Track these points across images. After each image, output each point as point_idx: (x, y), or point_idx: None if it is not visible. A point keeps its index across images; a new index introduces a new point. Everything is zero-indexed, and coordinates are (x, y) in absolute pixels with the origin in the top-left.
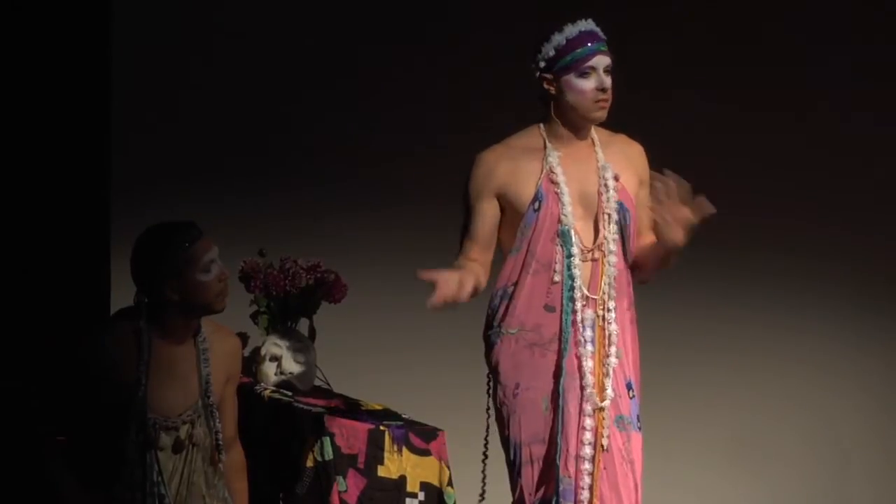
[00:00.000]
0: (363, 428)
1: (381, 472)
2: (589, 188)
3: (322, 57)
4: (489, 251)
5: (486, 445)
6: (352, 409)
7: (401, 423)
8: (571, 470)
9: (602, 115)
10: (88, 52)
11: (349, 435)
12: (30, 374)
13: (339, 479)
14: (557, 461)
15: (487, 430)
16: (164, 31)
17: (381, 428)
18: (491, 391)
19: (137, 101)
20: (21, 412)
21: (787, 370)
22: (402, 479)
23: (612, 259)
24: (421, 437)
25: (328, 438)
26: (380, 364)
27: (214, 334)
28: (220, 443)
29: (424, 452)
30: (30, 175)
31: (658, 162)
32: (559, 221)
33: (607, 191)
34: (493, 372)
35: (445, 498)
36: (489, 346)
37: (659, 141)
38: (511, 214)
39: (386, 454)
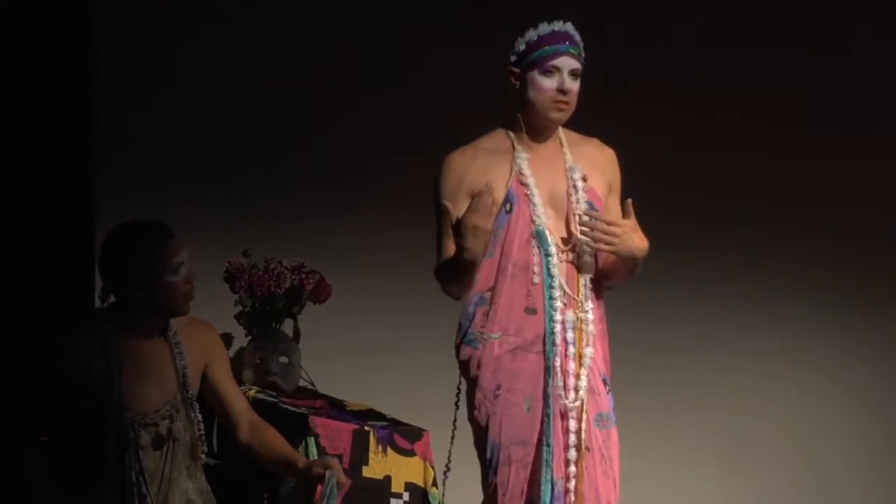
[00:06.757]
0: (348, 428)
1: (366, 472)
2: (558, 189)
3: (309, 57)
4: None
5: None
6: (336, 409)
7: (385, 423)
8: (561, 472)
9: (560, 116)
10: (72, 50)
11: (334, 435)
12: (9, 376)
13: None
14: (550, 463)
15: (455, 425)
16: (150, 30)
17: (366, 428)
18: (465, 395)
19: (122, 101)
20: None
21: (775, 373)
22: (387, 479)
23: (587, 259)
24: (405, 437)
25: (313, 439)
26: (364, 364)
27: (187, 327)
28: (202, 433)
29: (409, 453)
30: (13, 175)
31: (649, 165)
32: (532, 223)
33: (576, 192)
34: (470, 377)
35: (430, 498)
36: (466, 352)
37: (650, 143)
38: None
39: (371, 454)
